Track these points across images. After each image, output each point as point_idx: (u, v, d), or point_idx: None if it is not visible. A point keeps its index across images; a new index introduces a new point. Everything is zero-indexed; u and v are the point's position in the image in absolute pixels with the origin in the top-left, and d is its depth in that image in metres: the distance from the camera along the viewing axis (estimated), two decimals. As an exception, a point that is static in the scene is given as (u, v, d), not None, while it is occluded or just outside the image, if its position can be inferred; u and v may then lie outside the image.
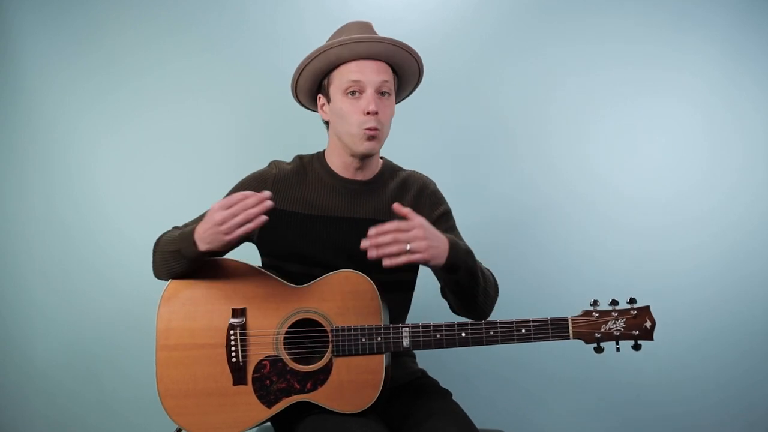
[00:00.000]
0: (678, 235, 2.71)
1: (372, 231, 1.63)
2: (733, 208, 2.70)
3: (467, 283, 1.79)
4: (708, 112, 2.70)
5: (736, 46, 2.68)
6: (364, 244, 1.62)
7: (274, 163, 1.98)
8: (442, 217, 2.00)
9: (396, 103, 2.03)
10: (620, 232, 2.72)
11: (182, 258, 1.77)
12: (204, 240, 1.71)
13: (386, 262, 1.62)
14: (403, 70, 1.95)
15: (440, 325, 1.76)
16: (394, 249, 1.62)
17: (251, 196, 1.66)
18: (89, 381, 2.76)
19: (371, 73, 1.86)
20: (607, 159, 2.74)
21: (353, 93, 1.86)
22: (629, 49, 2.71)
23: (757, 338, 2.69)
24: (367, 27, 1.93)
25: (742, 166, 2.70)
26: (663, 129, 2.72)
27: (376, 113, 1.83)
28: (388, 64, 1.91)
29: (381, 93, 1.87)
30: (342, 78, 1.88)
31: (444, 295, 1.93)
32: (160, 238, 1.91)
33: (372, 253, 1.61)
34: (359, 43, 1.85)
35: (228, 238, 1.68)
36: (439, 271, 1.77)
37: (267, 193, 1.67)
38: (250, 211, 1.65)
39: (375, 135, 1.85)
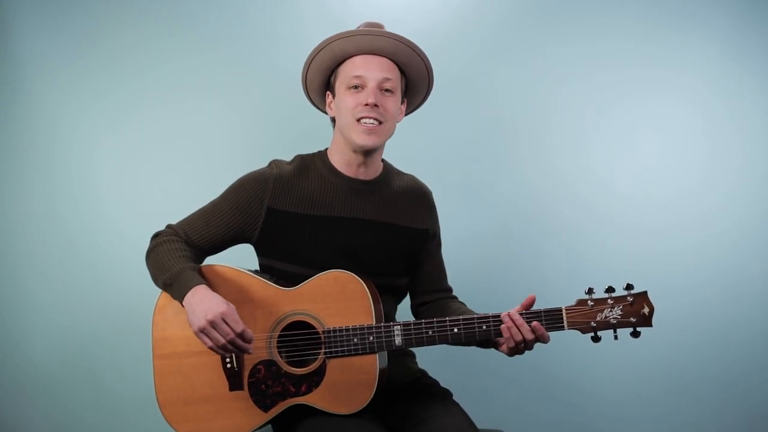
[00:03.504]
0: (678, 235, 2.70)
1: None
2: (733, 208, 2.69)
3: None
4: (708, 112, 2.69)
5: (736, 46, 2.66)
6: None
7: (275, 163, 1.96)
8: (436, 238, 2.05)
9: (409, 112, 2.05)
10: (620, 232, 2.71)
11: (172, 292, 1.79)
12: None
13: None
14: (411, 69, 1.93)
15: (432, 322, 1.75)
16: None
17: (245, 341, 1.69)
18: (89, 381, 2.75)
19: (374, 69, 1.87)
20: (607, 159, 2.73)
21: (356, 87, 1.86)
22: (629, 49, 2.70)
23: (757, 338, 2.68)
24: (376, 25, 1.93)
25: (742, 166, 2.69)
26: (663, 129, 2.71)
27: (376, 105, 1.83)
28: (395, 63, 1.91)
29: (384, 90, 1.87)
30: (346, 73, 1.89)
31: (417, 312, 2.05)
32: (155, 245, 1.90)
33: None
34: (363, 36, 1.86)
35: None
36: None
37: (252, 349, 1.71)
38: (227, 345, 1.69)
39: (374, 129, 1.85)
